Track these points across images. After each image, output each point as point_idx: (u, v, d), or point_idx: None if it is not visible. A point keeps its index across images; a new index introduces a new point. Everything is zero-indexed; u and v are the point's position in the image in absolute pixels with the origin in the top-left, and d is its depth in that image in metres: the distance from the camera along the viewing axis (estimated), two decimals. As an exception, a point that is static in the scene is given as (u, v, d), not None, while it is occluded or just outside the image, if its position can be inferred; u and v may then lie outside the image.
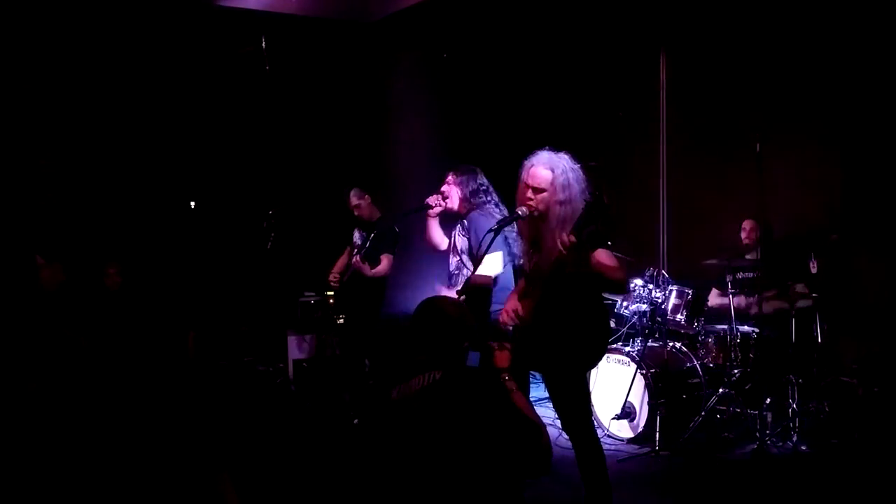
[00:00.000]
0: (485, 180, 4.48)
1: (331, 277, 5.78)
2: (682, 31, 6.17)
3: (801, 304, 4.81)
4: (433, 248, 4.67)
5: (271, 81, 6.52)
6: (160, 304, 5.77)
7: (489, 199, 4.41)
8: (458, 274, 4.50)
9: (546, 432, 2.56)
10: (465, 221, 4.46)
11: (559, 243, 3.31)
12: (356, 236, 5.85)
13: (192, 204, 6.10)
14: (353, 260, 5.48)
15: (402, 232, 5.71)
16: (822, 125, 5.42)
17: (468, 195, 4.41)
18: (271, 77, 6.49)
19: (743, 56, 5.83)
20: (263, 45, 6.52)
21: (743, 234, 5.39)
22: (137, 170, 6.25)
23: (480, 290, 4.21)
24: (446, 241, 4.60)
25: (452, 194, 4.44)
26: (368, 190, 5.86)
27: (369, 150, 6.88)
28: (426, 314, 2.70)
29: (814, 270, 4.77)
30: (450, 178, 4.47)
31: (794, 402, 4.64)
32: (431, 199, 4.47)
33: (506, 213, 4.33)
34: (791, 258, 5.02)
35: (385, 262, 5.62)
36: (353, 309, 5.71)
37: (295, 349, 6.25)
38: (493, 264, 4.24)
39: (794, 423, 4.61)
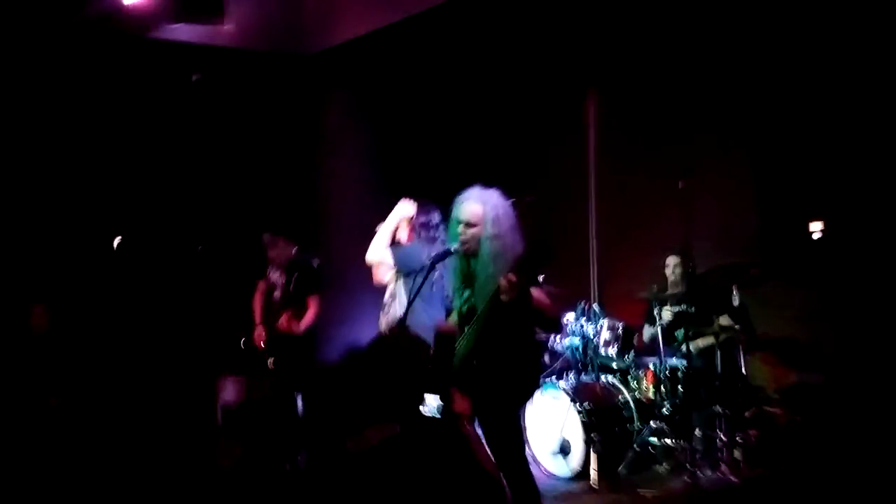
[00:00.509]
0: (438, 218, 4.49)
1: (256, 335, 5.52)
2: (611, 70, 6.37)
3: (725, 336, 4.95)
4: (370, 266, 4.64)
5: (203, 113, 6.43)
6: (89, 347, 5.52)
7: (438, 235, 4.42)
8: (391, 303, 4.48)
9: (506, 488, 2.51)
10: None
11: (502, 282, 3.34)
12: (273, 275, 5.60)
13: (118, 240, 5.89)
14: (280, 323, 5.28)
15: (326, 264, 5.61)
16: (739, 163, 5.66)
17: (418, 225, 4.46)
18: (203, 108, 6.40)
19: (668, 94, 6.05)
20: (195, 77, 6.43)
21: (667, 270, 5.53)
22: (61, 203, 6.02)
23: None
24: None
25: (403, 224, 4.52)
26: (297, 225, 5.71)
27: (302, 184, 6.81)
28: (378, 354, 2.60)
29: (736, 303, 4.94)
30: (398, 207, 4.55)
31: (721, 432, 4.76)
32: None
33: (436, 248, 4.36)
34: (715, 291, 5.18)
35: (313, 308, 5.42)
36: (284, 351, 5.46)
37: (223, 392, 6.03)
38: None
39: (723, 454, 4.72)
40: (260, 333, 5.52)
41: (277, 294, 5.51)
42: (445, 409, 2.93)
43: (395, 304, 4.46)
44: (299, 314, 5.40)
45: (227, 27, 6.28)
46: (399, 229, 4.60)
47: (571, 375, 5.29)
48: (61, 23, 5.60)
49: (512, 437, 3.55)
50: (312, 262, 5.51)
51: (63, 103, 5.92)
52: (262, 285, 5.66)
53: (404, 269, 4.44)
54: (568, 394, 5.01)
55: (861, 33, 4.90)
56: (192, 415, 5.67)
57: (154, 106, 6.24)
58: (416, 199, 4.61)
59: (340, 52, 6.71)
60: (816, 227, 5.36)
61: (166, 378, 5.88)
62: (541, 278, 4.82)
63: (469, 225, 3.57)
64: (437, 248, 4.39)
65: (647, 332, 5.54)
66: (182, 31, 6.14)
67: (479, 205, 3.58)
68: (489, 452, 2.82)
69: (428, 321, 4.19)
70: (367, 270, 4.73)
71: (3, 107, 5.71)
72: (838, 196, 5.18)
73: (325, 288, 5.57)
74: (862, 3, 4.89)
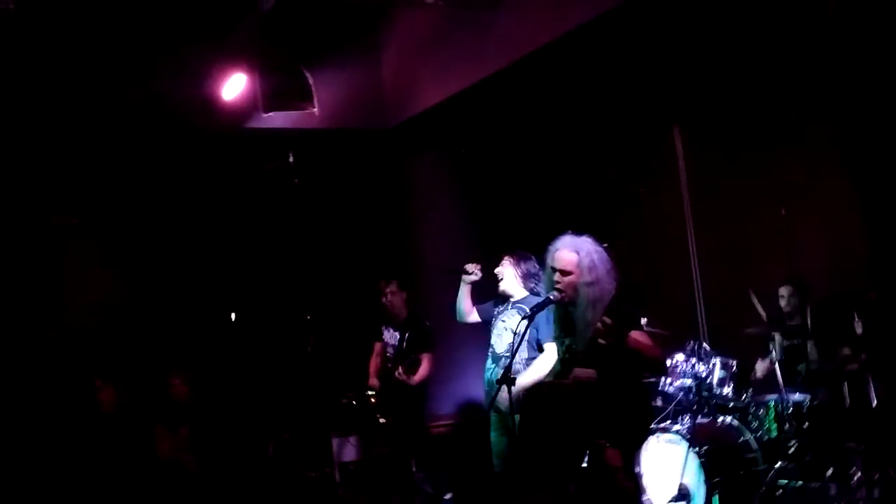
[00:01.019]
0: (537, 266, 4.62)
1: (371, 382, 5.74)
2: (694, 103, 6.29)
3: (850, 367, 4.67)
4: (456, 316, 4.87)
5: (301, 193, 6.78)
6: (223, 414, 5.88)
7: (540, 284, 4.49)
8: (506, 357, 4.50)
9: None
10: (525, 305, 4.55)
11: (598, 326, 3.34)
12: (386, 335, 5.84)
13: (233, 315, 6.32)
14: (396, 374, 5.46)
15: (434, 326, 5.74)
16: (842, 182, 5.41)
17: (524, 275, 4.63)
18: (301, 189, 6.75)
19: (755, 120, 5.90)
20: (291, 159, 6.81)
21: (782, 302, 5.29)
22: (179, 287, 6.48)
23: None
24: (474, 313, 4.80)
25: (507, 275, 4.67)
26: (408, 285, 5.93)
27: (397, 250, 7.02)
28: (539, 410, 2.49)
29: (859, 331, 4.66)
30: (505, 260, 4.71)
31: (857, 471, 4.44)
32: (470, 266, 4.61)
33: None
34: (834, 321, 4.91)
35: (426, 364, 5.61)
36: (396, 409, 5.64)
37: (340, 451, 6.21)
38: (549, 357, 4.33)
39: (861, 494, 4.39)
40: (375, 382, 5.74)
41: (391, 353, 5.70)
42: (597, 463, 2.87)
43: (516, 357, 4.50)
44: (412, 370, 5.53)
45: (315, 111, 6.65)
46: (506, 282, 4.73)
47: (686, 418, 5.09)
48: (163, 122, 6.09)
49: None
50: (425, 321, 5.68)
51: (175, 198, 6.43)
52: (377, 346, 5.89)
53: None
54: (683, 437, 4.82)
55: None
56: (305, 473, 5.87)
57: (259, 191, 6.68)
58: (510, 253, 4.74)
59: (422, 120, 6.95)
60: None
61: (282, 437, 6.12)
62: (644, 321, 4.78)
63: (564, 273, 3.61)
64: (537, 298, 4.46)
65: (760, 367, 5.28)
66: (274, 119, 6.53)
67: (572, 252, 3.62)
68: None
69: (523, 368, 4.44)
70: (463, 328, 4.84)
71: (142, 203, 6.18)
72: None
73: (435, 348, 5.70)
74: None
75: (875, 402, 4.63)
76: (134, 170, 6.38)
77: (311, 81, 6.89)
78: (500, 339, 4.74)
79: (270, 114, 6.62)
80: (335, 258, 6.83)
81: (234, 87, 6.28)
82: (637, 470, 4.96)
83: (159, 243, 6.52)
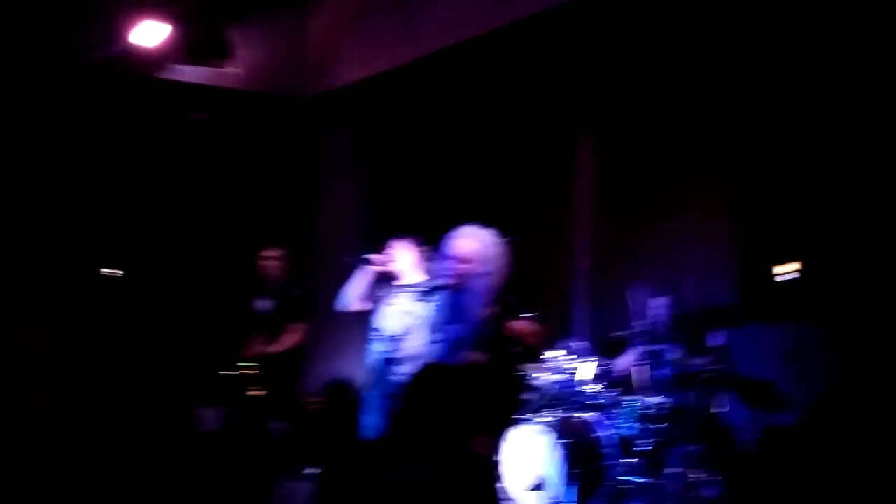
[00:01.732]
0: (430, 254, 4.64)
1: (244, 352, 5.63)
2: (602, 115, 6.55)
3: (704, 375, 5.02)
4: (340, 303, 4.71)
5: (207, 152, 6.69)
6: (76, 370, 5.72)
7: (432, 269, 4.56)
8: (403, 338, 4.56)
9: None
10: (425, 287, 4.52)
11: (484, 314, 3.51)
12: (259, 304, 5.73)
13: (107, 270, 6.15)
14: (256, 346, 5.33)
15: (320, 301, 5.73)
16: (722, 206, 5.78)
17: (422, 261, 4.58)
18: (207, 148, 6.66)
19: (657, 139, 6.21)
20: (204, 116, 6.71)
21: (655, 309, 5.60)
22: (62, 232, 6.28)
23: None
24: (364, 302, 4.68)
25: (405, 258, 4.58)
26: (292, 262, 5.86)
27: (296, 221, 7.02)
28: (422, 388, 2.43)
29: (714, 342, 5.01)
30: (396, 243, 4.62)
31: (696, 472, 4.79)
32: (375, 257, 4.54)
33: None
34: (697, 331, 5.26)
35: (294, 334, 5.48)
36: (265, 381, 5.57)
37: (204, 421, 6.14)
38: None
39: (696, 493, 4.75)
40: (247, 357, 5.62)
41: (262, 322, 5.62)
42: (465, 449, 2.98)
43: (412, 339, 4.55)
44: (277, 339, 5.46)
45: (233, 69, 6.56)
46: (402, 265, 4.68)
47: (553, 412, 5.36)
48: (70, 64, 5.90)
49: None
50: (298, 290, 5.58)
51: (67, 140, 6.20)
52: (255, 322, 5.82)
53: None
54: (548, 429, 5.08)
55: (837, 92, 5.05)
56: (169, 444, 5.80)
57: (157, 144, 6.52)
58: (402, 237, 4.72)
59: (340, 95, 6.96)
60: (792, 269, 5.46)
61: (145, 404, 6.04)
62: (529, 315, 5.00)
63: (461, 261, 3.75)
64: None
65: (624, 365, 5.60)
66: (188, 73, 6.42)
67: (471, 242, 3.76)
68: None
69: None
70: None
71: (11, 142, 5.99)
72: (814, 240, 5.29)
73: (309, 318, 5.62)
74: (845, 62, 5.02)
75: (721, 409, 5.02)
76: (38, 113, 6.13)
77: (234, 38, 6.80)
78: (393, 321, 4.69)
79: (186, 67, 6.50)
80: (231, 223, 6.75)
81: (150, 35, 6.14)
82: (496, 458, 5.21)
83: (53, 189, 6.28)
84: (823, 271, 5.19)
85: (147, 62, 6.20)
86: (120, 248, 6.31)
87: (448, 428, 2.42)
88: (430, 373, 2.65)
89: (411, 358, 4.47)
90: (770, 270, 5.47)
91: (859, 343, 4.91)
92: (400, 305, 4.73)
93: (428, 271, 4.70)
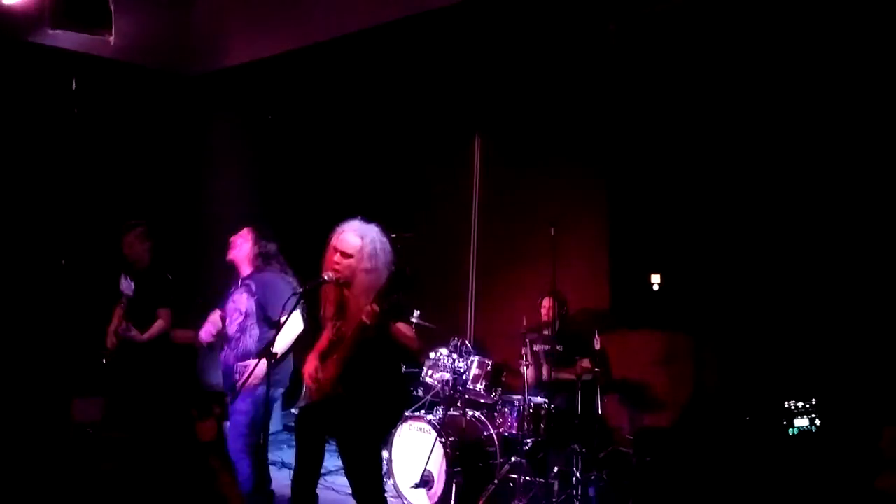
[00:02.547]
0: (275, 248, 4.47)
1: (108, 341, 5.20)
2: (496, 116, 6.63)
3: (586, 377, 5.19)
4: (203, 341, 4.52)
5: (81, 123, 6.20)
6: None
7: (277, 263, 4.43)
8: (239, 337, 4.37)
9: None
10: (251, 283, 4.39)
11: (363, 312, 3.42)
12: (124, 284, 5.28)
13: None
14: (120, 328, 4.94)
15: (205, 285, 5.46)
16: (598, 217, 6.02)
17: (258, 254, 4.38)
18: (82, 119, 6.18)
19: (546, 146, 6.37)
20: (73, 85, 6.21)
21: (542, 311, 5.74)
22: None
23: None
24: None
25: (241, 246, 4.39)
26: (172, 240, 5.53)
27: (180, 201, 6.66)
28: None
29: (597, 347, 5.19)
30: (245, 232, 4.43)
31: (577, 470, 4.95)
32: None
33: (291, 278, 4.38)
34: (579, 334, 5.43)
35: (162, 319, 5.08)
36: (126, 361, 5.11)
37: (80, 412, 5.72)
38: (295, 325, 4.26)
39: (577, 491, 4.90)
40: (111, 341, 5.20)
41: (124, 303, 5.20)
42: (190, 438, 2.92)
43: (246, 336, 4.36)
44: (145, 325, 5.07)
45: (111, 39, 6.12)
46: (238, 254, 4.50)
47: (440, 409, 5.37)
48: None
49: (371, 466, 3.59)
50: (167, 273, 5.24)
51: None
52: (120, 302, 5.43)
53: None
54: (434, 427, 5.08)
55: (705, 113, 5.38)
56: (44, 434, 5.35)
57: (31, 112, 5.99)
58: (254, 227, 4.51)
59: (226, 76, 6.67)
60: (655, 280, 5.76)
61: (18, 396, 5.53)
62: (416, 313, 4.97)
63: (345, 255, 3.65)
64: (281, 274, 4.38)
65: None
66: (63, 39, 5.93)
67: (357, 237, 3.67)
68: (237, 485, 2.84)
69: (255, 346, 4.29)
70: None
71: None
72: (675, 255, 5.61)
73: (177, 302, 5.28)
74: (717, 78, 5.34)
75: (600, 411, 5.20)
76: None
77: (111, 6, 6.33)
78: (230, 321, 4.45)
79: (58, 31, 5.99)
80: (105, 202, 6.29)
81: (18, -7, 5.60)
82: (386, 455, 5.16)
83: None
84: (691, 282, 5.51)
85: (15, 23, 5.66)
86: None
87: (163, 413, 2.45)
88: None
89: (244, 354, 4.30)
90: (641, 279, 5.73)
91: (726, 349, 5.23)
92: (236, 303, 4.45)
93: (262, 266, 4.44)
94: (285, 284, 4.29)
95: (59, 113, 6.13)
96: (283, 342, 4.26)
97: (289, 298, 3.88)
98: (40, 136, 6.09)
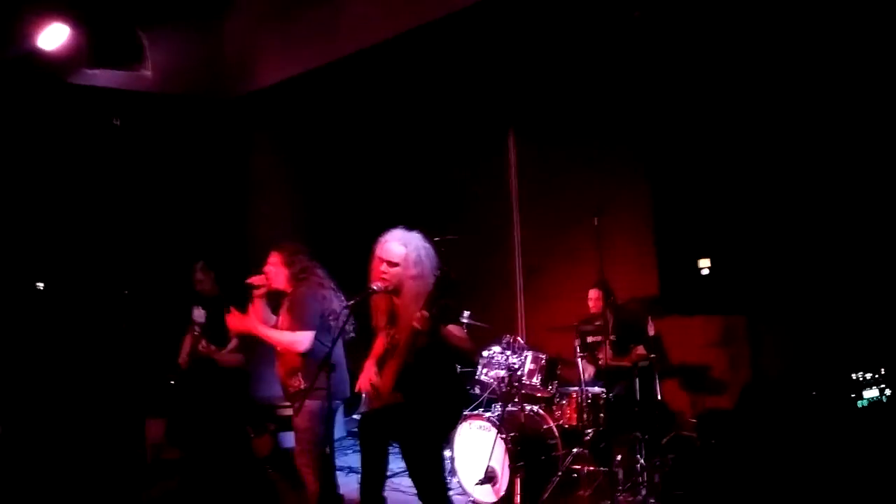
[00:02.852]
0: (307, 259, 4.43)
1: (180, 360, 5.46)
2: (529, 111, 6.64)
3: (642, 364, 5.16)
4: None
5: (127, 157, 6.40)
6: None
7: (315, 274, 4.39)
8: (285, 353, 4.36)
9: None
10: (287, 301, 4.38)
11: (415, 319, 3.48)
12: (196, 314, 5.55)
13: (41, 285, 5.82)
14: (200, 346, 5.13)
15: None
16: (643, 205, 5.97)
17: (295, 273, 4.35)
18: (127, 153, 6.38)
19: (584, 136, 6.35)
20: (117, 122, 6.42)
21: (590, 303, 5.73)
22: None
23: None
24: (273, 318, 4.47)
25: (277, 274, 4.37)
26: (225, 265, 5.73)
27: (229, 226, 6.82)
28: None
29: (651, 332, 5.16)
30: (273, 258, 4.40)
31: (641, 457, 4.93)
32: (255, 280, 4.39)
33: (332, 287, 4.38)
34: (632, 322, 5.41)
35: (236, 342, 5.28)
36: (203, 379, 5.34)
37: (151, 433, 5.94)
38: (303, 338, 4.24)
39: (643, 478, 4.89)
40: (183, 360, 5.43)
41: (198, 331, 5.42)
42: (248, 455, 3.00)
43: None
44: (221, 344, 5.26)
45: (147, 73, 6.32)
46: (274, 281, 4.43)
47: (497, 406, 5.40)
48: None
49: (434, 468, 3.65)
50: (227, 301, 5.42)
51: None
52: (191, 327, 5.65)
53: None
54: (494, 423, 5.12)
55: (747, 97, 5.29)
56: (118, 454, 5.57)
57: (77, 150, 6.21)
58: (279, 249, 4.44)
59: (263, 96, 6.79)
60: (704, 265, 5.69)
61: (92, 418, 5.76)
62: (466, 314, 5.02)
63: (392, 264, 3.71)
64: (321, 285, 4.33)
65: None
66: (102, 77, 6.13)
67: (401, 245, 3.73)
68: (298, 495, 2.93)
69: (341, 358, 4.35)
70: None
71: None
72: (723, 238, 5.53)
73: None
74: (758, 70, 5.25)
75: (659, 396, 5.17)
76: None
77: (144, 41, 6.53)
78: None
79: (96, 71, 6.20)
80: (158, 230, 6.49)
81: (55, 37, 5.82)
82: (449, 454, 5.22)
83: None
84: (740, 264, 5.43)
85: (54, 65, 5.88)
86: (42, 259, 5.96)
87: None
88: None
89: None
90: (690, 264, 5.67)
91: (782, 326, 5.15)
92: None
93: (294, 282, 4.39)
94: (314, 298, 4.27)
95: (105, 149, 6.33)
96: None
97: (341, 311, 3.98)
98: (89, 173, 6.31)
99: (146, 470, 5.61)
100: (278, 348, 4.33)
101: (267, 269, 4.41)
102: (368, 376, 3.79)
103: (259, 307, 4.44)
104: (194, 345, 5.35)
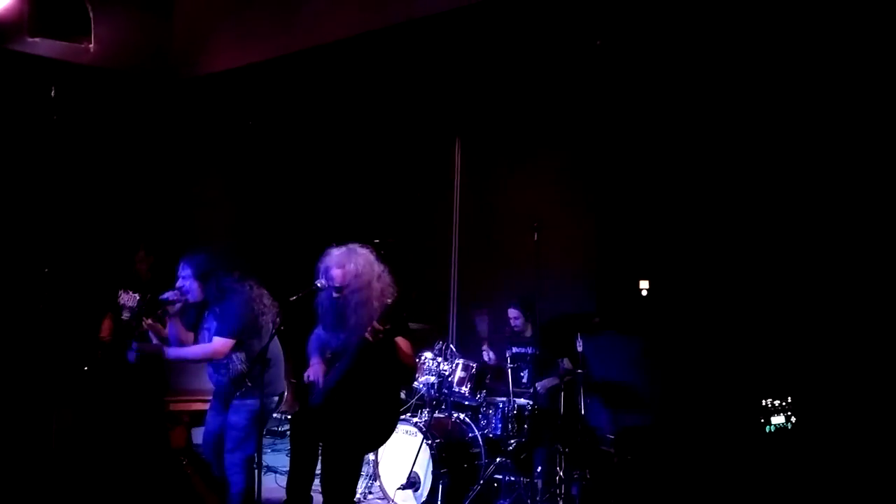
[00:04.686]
0: (214, 264, 4.33)
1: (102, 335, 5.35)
2: (477, 121, 6.72)
3: (568, 378, 5.31)
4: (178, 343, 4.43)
5: (62, 131, 6.18)
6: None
7: (228, 277, 4.31)
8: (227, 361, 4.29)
9: None
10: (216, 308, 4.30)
11: (368, 332, 3.64)
12: (124, 297, 5.37)
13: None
14: (145, 323, 5.01)
15: None
16: (584, 223, 6.14)
17: (205, 282, 4.28)
18: (62, 126, 6.16)
19: (525, 148, 6.47)
20: (52, 93, 6.19)
21: (511, 322, 5.86)
22: None
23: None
24: (189, 335, 4.42)
25: (192, 287, 4.29)
26: (157, 249, 5.62)
27: (165, 210, 6.67)
28: None
29: (580, 348, 5.31)
30: (184, 271, 4.32)
31: (561, 470, 5.07)
32: (169, 295, 4.30)
33: (255, 287, 4.32)
34: (560, 337, 5.55)
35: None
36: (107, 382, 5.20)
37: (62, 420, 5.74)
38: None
39: (561, 490, 5.02)
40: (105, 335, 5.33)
41: (127, 315, 5.27)
42: (162, 445, 3.09)
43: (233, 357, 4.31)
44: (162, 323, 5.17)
45: (91, 46, 6.13)
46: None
47: (426, 412, 5.46)
48: None
49: (350, 477, 3.81)
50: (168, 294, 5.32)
51: None
52: (110, 314, 5.49)
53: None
54: (420, 429, 5.17)
55: (687, 122, 5.51)
56: (26, 442, 5.37)
57: (9, 119, 5.97)
58: (186, 260, 4.33)
59: (211, 81, 6.68)
60: (644, 286, 5.91)
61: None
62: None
63: (340, 289, 3.88)
64: (235, 286, 4.26)
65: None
66: (42, 46, 5.92)
67: (338, 270, 3.87)
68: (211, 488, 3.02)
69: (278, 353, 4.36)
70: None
71: None
72: (661, 261, 5.76)
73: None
74: (697, 87, 5.48)
75: (583, 411, 5.32)
76: None
77: (90, 13, 6.32)
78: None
79: (37, 40, 5.98)
80: (89, 209, 6.28)
81: (-2, 1, 5.59)
82: (373, 457, 5.25)
83: None
84: (670, 287, 5.65)
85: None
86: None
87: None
88: None
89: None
90: (628, 283, 5.87)
91: (705, 350, 5.38)
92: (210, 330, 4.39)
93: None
94: (245, 307, 4.21)
95: (40, 120, 6.10)
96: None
97: (278, 309, 4.01)
98: (20, 143, 6.06)
99: (51, 457, 5.42)
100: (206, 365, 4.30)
101: (179, 283, 4.30)
102: (317, 371, 3.85)
103: (176, 324, 4.36)
104: (119, 333, 5.18)
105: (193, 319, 4.42)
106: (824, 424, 4.60)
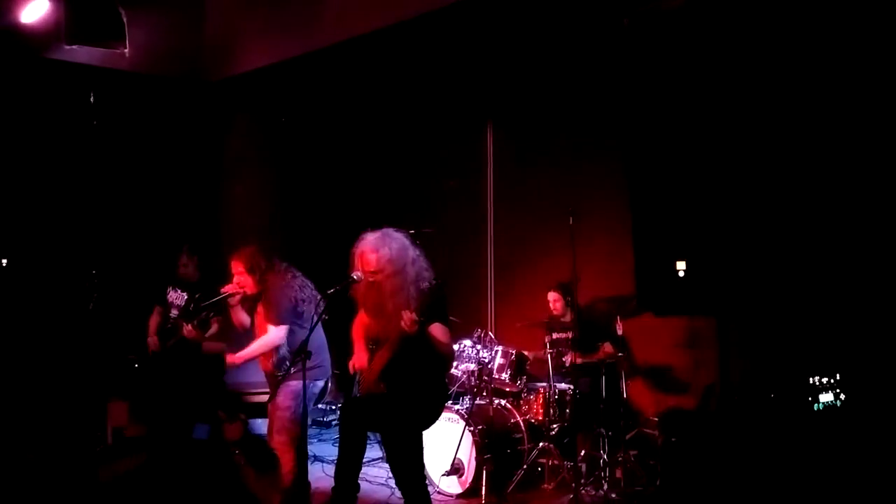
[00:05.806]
0: (265, 258, 4.51)
1: (149, 341, 5.53)
2: (509, 105, 6.69)
3: (609, 361, 5.29)
4: (243, 330, 4.68)
5: (102, 135, 6.34)
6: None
7: (280, 268, 4.52)
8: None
9: None
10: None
11: (403, 321, 3.61)
12: (172, 295, 5.57)
13: (4, 261, 5.73)
14: (185, 330, 5.11)
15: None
16: (619, 205, 6.08)
17: (260, 275, 4.46)
18: (102, 131, 6.31)
19: (561, 134, 6.43)
20: (91, 99, 6.35)
21: (550, 305, 5.85)
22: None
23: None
24: (248, 320, 4.63)
25: (246, 281, 4.48)
26: (200, 249, 5.76)
27: (203, 209, 6.80)
28: None
29: (619, 332, 5.29)
30: (236, 267, 4.50)
31: (604, 453, 5.06)
32: (229, 288, 4.51)
33: (299, 276, 4.51)
34: (599, 320, 5.53)
35: (216, 327, 5.37)
36: (183, 369, 5.44)
37: (113, 416, 5.93)
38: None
39: (605, 473, 5.02)
40: (153, 342, 5.52)
41: (175, 313, 5.47)
42: (216, 436, 3.11)
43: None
44: (204, 328, 5.29)
45: (126, 51, 6.25)
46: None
47: (467, 399, 5.49)
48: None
49: (415, 458, 3.78)
50: (218, 286, 5.46)
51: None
52: (158, 308, 5.66)
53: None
54: (462, 416, 5.21)
55: (727, 93, 5.41)
56: (78, 435, 5.55)
57: (51, 127, 6.13)
58: (237, 256, 4.51)
59: (243, 81, 6.77)
60: (681, 267, 5.83)
61: (53, 400, 5.72)
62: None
63: (374, 273, 3.82)
64: (288, 278, 4.46)
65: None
66: (80, 53, 6.05)
67: (373, 254, 3.83)
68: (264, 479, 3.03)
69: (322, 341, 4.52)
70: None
71: None
72: (699, 241, 5.67)
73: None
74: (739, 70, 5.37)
75: (625, 394, 5.31)
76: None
77: (124, 19, 6.45)
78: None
79: (74, 47, 6.12)
80: (131, 211, 6.44)
81: (34, 11, 5.75)
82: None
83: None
84: (714, 267, 5.57)
85: (32, 39, 5.79)
86: (8, 235, 5.87)
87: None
88: None
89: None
90: (665, 265, 5.79)
91: (749, 330, 5.31)
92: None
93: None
94: (283, 294, 4.40)
95: (79, 126, 6.26)
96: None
97: (319, 300, 4.05)
98: (62, 150, 6.23)
99: (106, 450, 5.59)
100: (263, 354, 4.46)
101: (236, 278, 4.52)
102: (361, 361, 3.92)
103: (238, 313, 4.61)
104: (168, 327, 5.37)
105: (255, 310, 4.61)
106: (875, 401, 4.51)
